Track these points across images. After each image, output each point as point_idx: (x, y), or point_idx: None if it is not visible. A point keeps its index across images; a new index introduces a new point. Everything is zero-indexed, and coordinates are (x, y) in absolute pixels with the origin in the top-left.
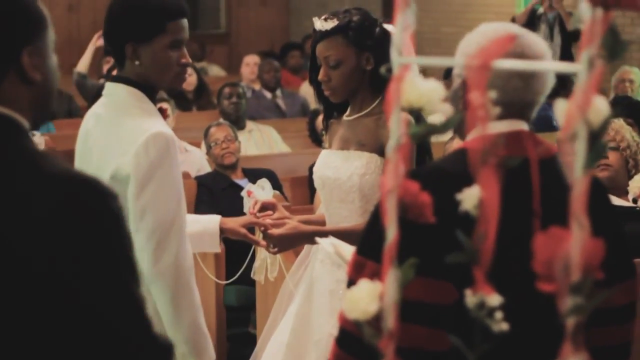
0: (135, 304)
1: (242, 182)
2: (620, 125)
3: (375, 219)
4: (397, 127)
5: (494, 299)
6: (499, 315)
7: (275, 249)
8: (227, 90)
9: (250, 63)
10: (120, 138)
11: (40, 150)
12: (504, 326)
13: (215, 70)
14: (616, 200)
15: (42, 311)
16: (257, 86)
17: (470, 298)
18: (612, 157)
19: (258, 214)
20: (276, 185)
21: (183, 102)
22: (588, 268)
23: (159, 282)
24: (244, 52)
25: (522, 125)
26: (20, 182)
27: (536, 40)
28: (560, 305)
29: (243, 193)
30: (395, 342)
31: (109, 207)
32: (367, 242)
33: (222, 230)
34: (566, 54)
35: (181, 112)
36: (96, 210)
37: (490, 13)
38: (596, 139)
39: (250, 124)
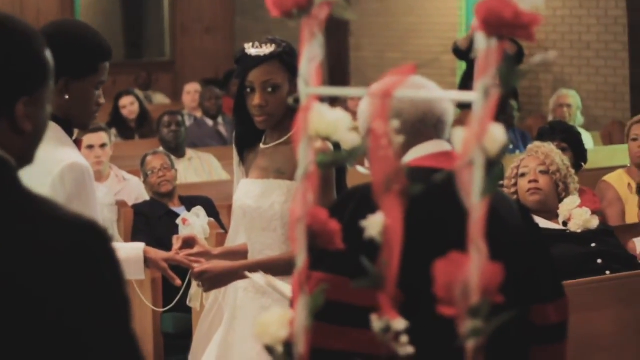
0: (136, 346)
1: (179, 209)
2: (550, 149)
3: None
4: (305, 157)
5: (399, 323)
6: (404, 338)
7: (205, 287)
8: (166, 118)
9: (192, 91)
10: (35, 169)
11: (35, 193)
12: (409, 349)
13: (159, 98)
14: (547, 223)
15: (53, 354)
16: (198, 114)
17: (376, 322)
18: (543, 181)
19: (179, 250)
20: (212, 212)
21: (125, 130)
22: (486, 291)
23: None
24: (189, 80)
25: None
26: (21, 224)
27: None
28: (460, 328)
29: (178, 221)
30: None
31: (109, 251)
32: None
33: (145, 259)
34: None
35: (123, 140)
36: (98, 255)
37: (433, 38)
38: (493, 166)
39: (190, 152)
